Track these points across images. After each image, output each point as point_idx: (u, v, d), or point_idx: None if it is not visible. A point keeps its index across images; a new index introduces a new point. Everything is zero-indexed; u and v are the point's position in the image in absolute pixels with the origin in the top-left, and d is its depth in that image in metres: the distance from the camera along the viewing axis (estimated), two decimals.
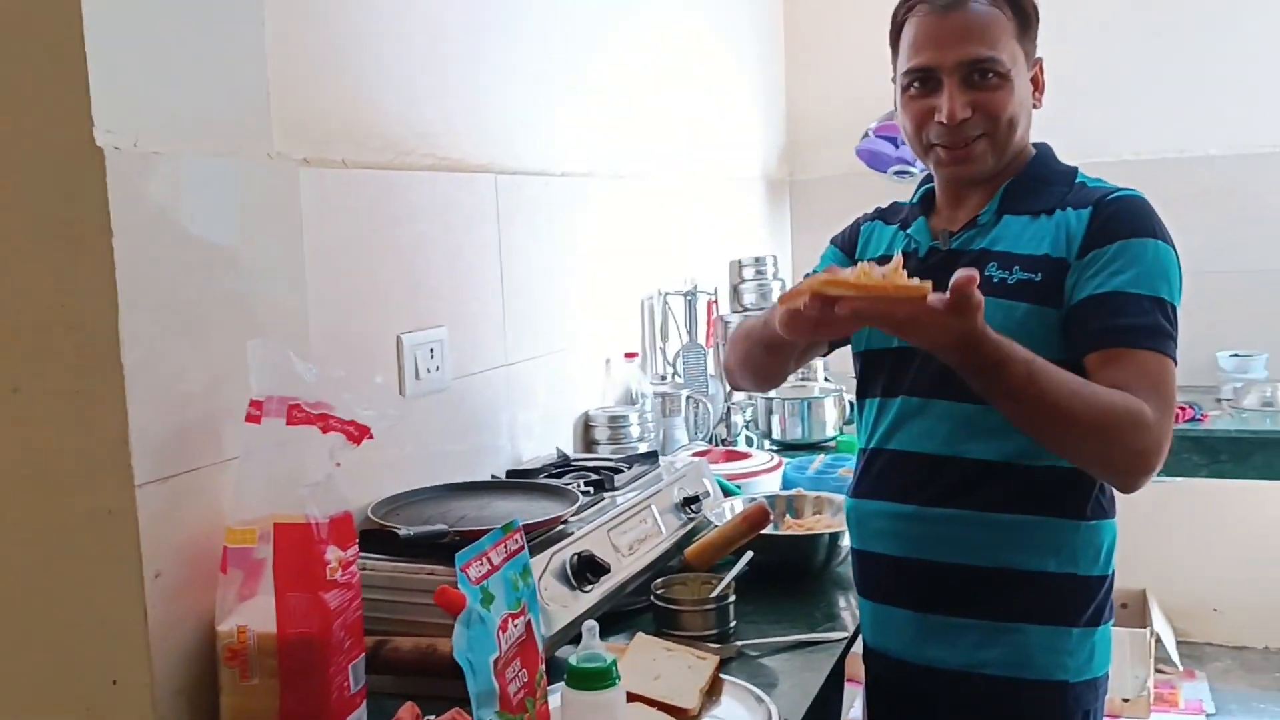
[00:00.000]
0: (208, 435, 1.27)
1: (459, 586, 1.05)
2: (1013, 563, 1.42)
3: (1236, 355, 3.34)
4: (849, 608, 1.70)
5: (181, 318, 1.23)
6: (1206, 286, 3.56)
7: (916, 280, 1.15)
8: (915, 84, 1.45)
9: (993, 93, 1.42)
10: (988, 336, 1.21)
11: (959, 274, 1.14)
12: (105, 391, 1.16)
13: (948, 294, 1.15)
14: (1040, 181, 1.48)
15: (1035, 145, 1.53)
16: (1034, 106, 1.49)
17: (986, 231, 1.46)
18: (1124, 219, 1.38)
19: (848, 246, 1.67)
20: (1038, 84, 1.49)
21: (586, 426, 2.34)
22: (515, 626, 1.11)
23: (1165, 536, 3.54)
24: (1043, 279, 1.39)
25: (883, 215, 1.66)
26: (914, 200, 1.60)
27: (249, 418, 1.23)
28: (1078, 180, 1.48)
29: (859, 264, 1.24)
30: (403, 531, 1.41)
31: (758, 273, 3.30)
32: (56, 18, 1.13)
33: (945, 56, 1.42)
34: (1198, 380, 3.26)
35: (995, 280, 1.41)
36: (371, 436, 1.25)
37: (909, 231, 1.56)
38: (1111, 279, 1.35)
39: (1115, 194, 1.42)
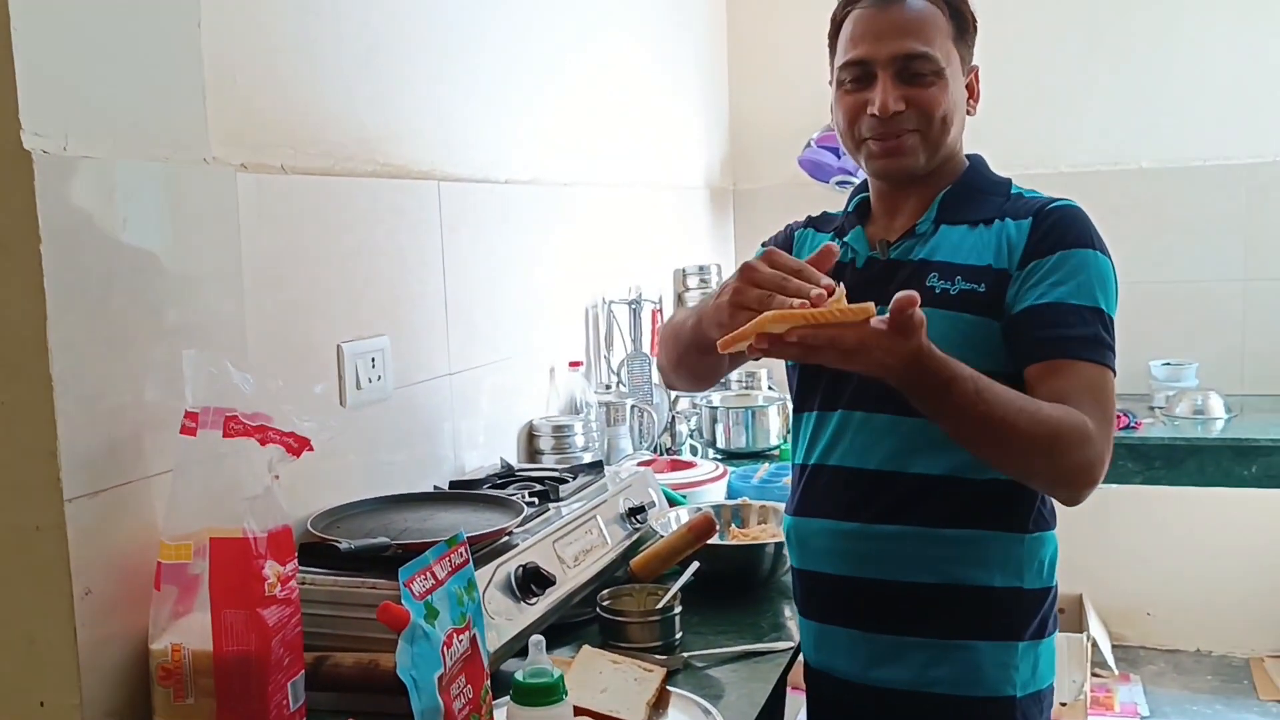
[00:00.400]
0: (140, 447, 1.23)
1: (402, 601, 1.03)
2: (960, 578, 1.41)
3: (1168, 364, 3.41)
4: (795, 617, 1.70)
5: (113, 326, 1.20)
6: (1139, 296, 3.62)
7: (854, 303, 1.12)
8: (851, 78, 1.45)
9: (926, 89, 1.41)
10: (934, 356, 1.19)
11: (899, 296, 1.12)
12: (32, 403, 1.13)
13: (889, 314, 1.12)
14: (977, 191, 1.48)
15: (969, 156, 1.53)
16: (968, 113, 1.49)
17: (925, 241, 1.45)
18: (1064, 229, 1.39)
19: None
20: (973, 91, 1.49)
21: (531, 436, 2.31)
22: (460, 642, 1.09)
23: (1101, 542, 3.60)
24: (986, 290, 1.39)
25: (814, 224, 1.64)
26: (849, 209, 1.58)
27: (184, 429, 1.20)
28: (1013, 191, 1.49)
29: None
30: (344, 545, 1.38)
31: (701, 281, 3.30)
32: None
33: (880, 50, 1.41)
34: (1131, 388, 3.32)
35: (938, 291, 1.40)
36: (311, 448, 1.22)
37: (846, 240, 1.53)
38: (1053, 289, 1.35)
39: (1055, 204, 1.43)
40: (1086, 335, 1.33)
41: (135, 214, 1.23)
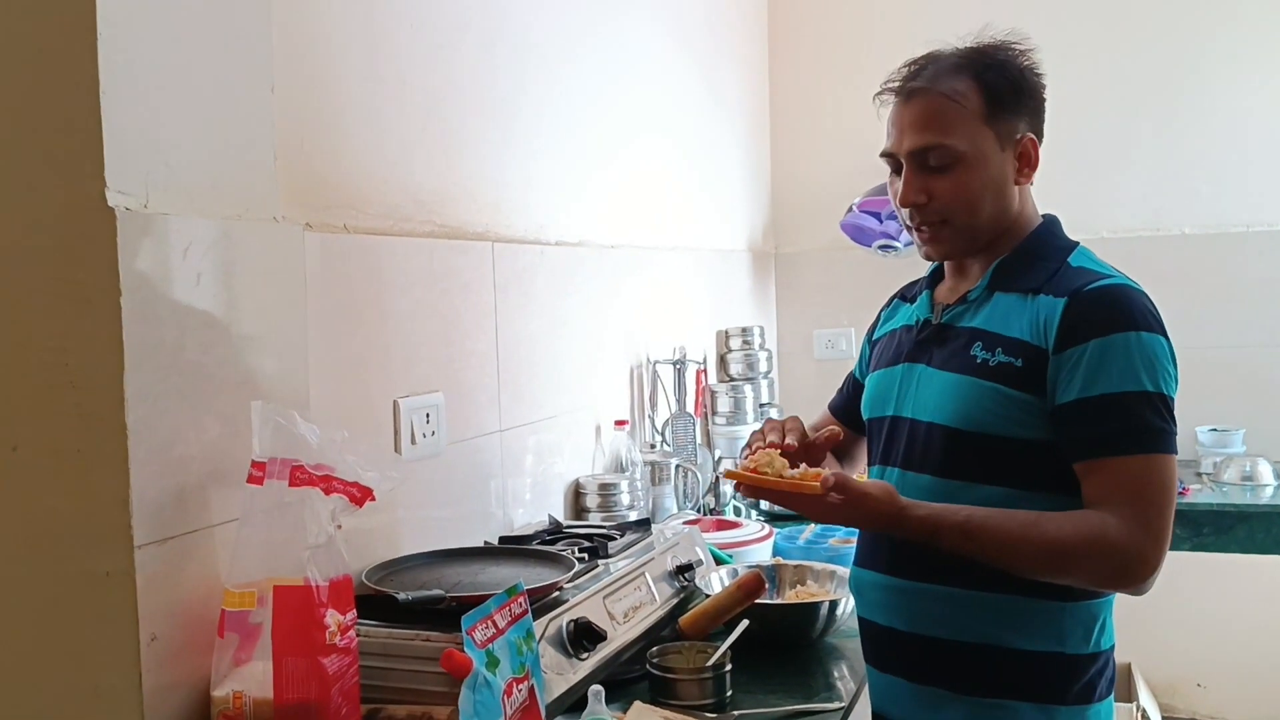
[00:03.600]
0: (207, 496, 1.26)
1: (464, 650, 1.04)
2: (999, 640, 1.42)
3: (1215, 430, 3.37)
4: (845, 677, 1.69)
5: (185, 378, 1.23)
6: (1183, 362, 3.58)
7: (797, 472, 1.38)
8: (890, 168, 1.51)
9: (943, 179, 1.44)
10: (910, 516, 1.35)
11: (825, 477, 1.33)
12: (107, 451, 1.16)
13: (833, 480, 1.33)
14: (1033, 258, 1.47)
15: (1044, 217, 1.53)
16: (1019, 183, 1.48)
17: (977, 309, 1.48)
18: (1098, 315, 1.35)
19: (870, 332, 1.74)
20: (1027, 160, 1.47)
21: (577, 494, 2.33)
22: (519, 691, 1.10)
23: (1150, 610, 3.50)
24: (1024, 365, 1.39)
25: (903, 293, 1.71)
26: (928, 273, 1.63)
27: (251, 479, 1.22)
28: (1071, 259, 1.45)
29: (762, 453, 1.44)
30: (401, 596, 1.39)
31: (744, 343, 3.33)
32: (73, 79, 1.15)
33: (902, 144, 1.46)
34: (1179, 454, 3.27)
35: (979, 360, 1.42)
36: (374, 498, 1.25)
37: (913, 306, 1.60)
38: (1089, 383, 1.34)
39: (1092, 285, 1.38)
40: (1124, 427, 1.32)
41: (208, 270, 1.27)
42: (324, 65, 1.62)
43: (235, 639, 1.23)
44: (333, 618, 1.22)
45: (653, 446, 2.71)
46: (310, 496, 1.22)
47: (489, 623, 1.08)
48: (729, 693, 1.58)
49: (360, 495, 1.23)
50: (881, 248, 3.41)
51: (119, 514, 1.16)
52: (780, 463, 1.40)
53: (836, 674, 1.72)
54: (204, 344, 1.27)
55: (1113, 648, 1.47)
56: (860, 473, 1.64)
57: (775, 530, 2.39)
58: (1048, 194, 1.54)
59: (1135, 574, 1.33)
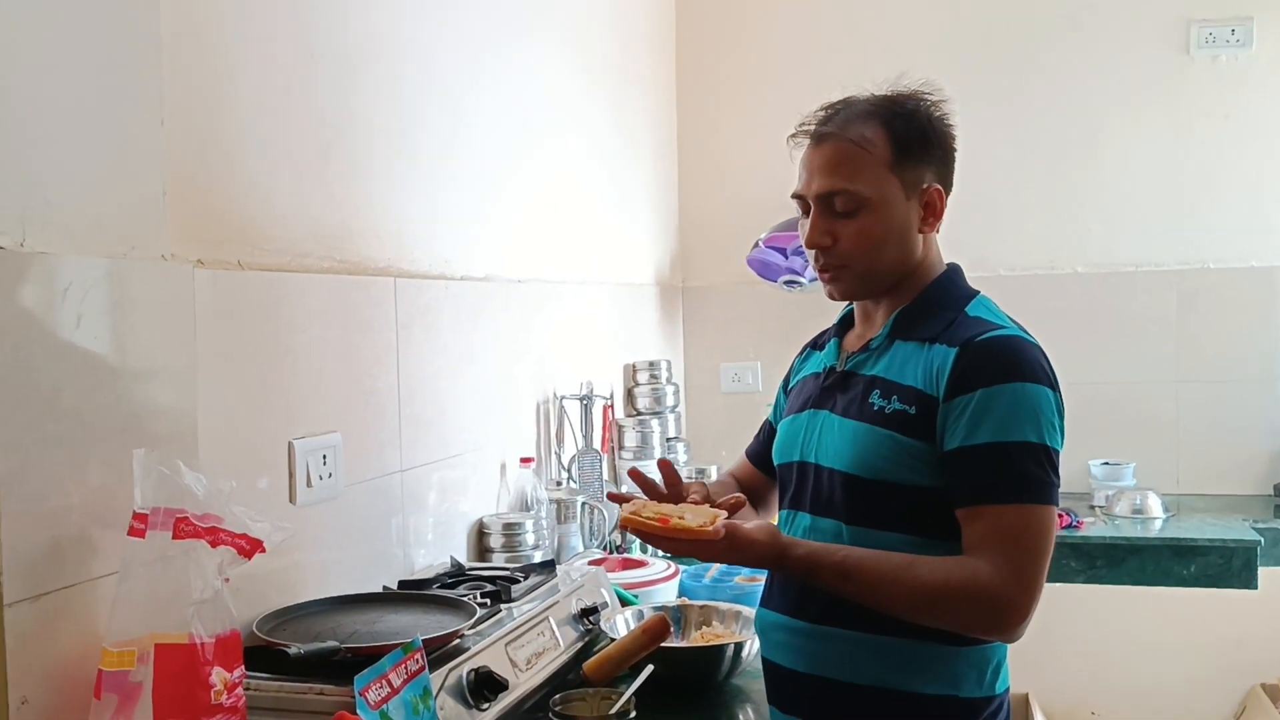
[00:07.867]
0: (85, 549, 1.20)
1: (357, 711, 1.00)
2: (893, 684, 1.43)
3: (1107, 464, 3.47)
4: None
5: (62, 425, 1.18)
6: (1076, 397, 3.66)
7: (697, 522, 1.36)
8: (800, 209, 1.53)
9: (848, 223, 1.46)
10: (791, 555, 1.39)
11: (718, 526, 1.35)
12: None
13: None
14: (933, 307, 1.49)
15: (949, 265, 1.55)
16: (923, 231, 1.50)
17: (879, 356, 1.49)
18: (986, 365, 1.37)
19: (786, 381, 1.74)
20: (932, 209, 1.49)
21: (480, 534, 2.28)
22: None
23: (1046, 641, 3.58)
24: (917, 413, 1.40)
25: (815, 340, 1.71)
26: (837, 320, 1.65)
27: (132, 531, 1.17)
28: (968, 309, 1.47)
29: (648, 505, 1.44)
30: (293, 650, 1.34)
31: (651, 377, 3.32)
32: None
33: (810, 187, 1.49)
34: (1072, 488, 3.36)
35: (875, 408, 1.44)
36: (264, 550, 1.20)
37: (822, 354, 1.61)
38: (974, 431, 1.35)
39: (983, 336, 1.40)
40: (1005, 477, 1.34)
41: (90, 311, 1.22)
42: (219, 96, 1.57)
43: (114, 700, 1.17)
44: (219, 676, 1.16)
45: (559, 484, 2.68)
46: (196, 549, 1.16)
47: (383, 682, 1.04)
48: None
49: (250, 547, 1.18)
50: (787, 283, 3.44)
51: None
52: (653, 507, 1.43)
53: (742, 717, 1.71)
54: (84, 389, 1.21)
55: (1008, 690, 1.48)
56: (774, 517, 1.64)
57: (681, 569, 2.38)
58: (950, 234, 1.56)
59: (1004, 621, 1.34)
